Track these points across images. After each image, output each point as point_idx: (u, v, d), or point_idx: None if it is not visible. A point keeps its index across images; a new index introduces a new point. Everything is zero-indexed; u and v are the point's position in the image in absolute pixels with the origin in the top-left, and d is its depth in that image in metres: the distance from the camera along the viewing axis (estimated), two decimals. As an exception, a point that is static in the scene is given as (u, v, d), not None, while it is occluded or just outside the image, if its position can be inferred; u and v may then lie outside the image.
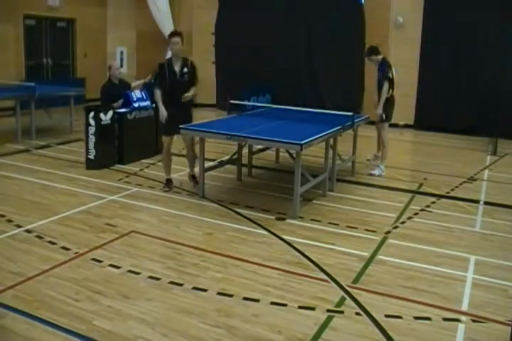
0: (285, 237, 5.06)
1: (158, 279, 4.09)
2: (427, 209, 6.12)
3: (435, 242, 5.06)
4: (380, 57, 7.58)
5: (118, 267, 4.28)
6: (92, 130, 7.31)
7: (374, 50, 7.62)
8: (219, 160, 7.69)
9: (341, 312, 3.68)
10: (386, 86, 7.38)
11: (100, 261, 4.37)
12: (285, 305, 3.75)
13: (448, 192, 6.82)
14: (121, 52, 14.77)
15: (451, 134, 11.13)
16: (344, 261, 4.57)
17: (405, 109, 11.84)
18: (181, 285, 4.00)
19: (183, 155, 8.55)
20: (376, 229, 5.38)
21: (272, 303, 3.77)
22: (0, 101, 10.02)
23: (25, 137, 9.14)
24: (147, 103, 8.14)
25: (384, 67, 7.46)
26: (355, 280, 4.18)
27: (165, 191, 6.39)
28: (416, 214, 5.93)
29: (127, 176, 6.99)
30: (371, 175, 7.57)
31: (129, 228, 5.16)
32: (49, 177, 6.88)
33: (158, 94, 6.22)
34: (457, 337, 3.42)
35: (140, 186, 6.62)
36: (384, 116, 7.51)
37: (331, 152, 6.55)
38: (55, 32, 13.80)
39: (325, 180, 6.41)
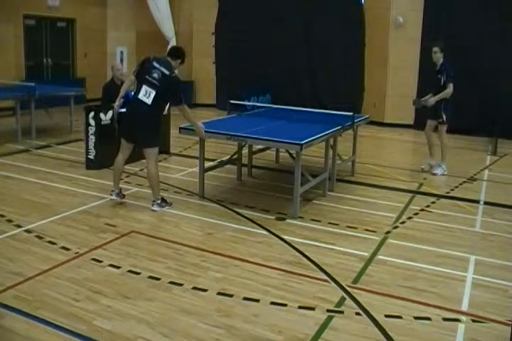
0: (285, 237, 5.06)
1: (158, 279, 4.09)
2: (427, 209, 6.12)
3: (435, 242, 5.07)
4: (442, 59, 7.44)
5: (118, 267, 4.28)
6: (92, 130, 7.31)
7: (444, 49, 7.47)
8: (219, 160, 7.69)
9: (341, 312, 3.68)
10: (451, 88, 7.27)
11: (100, 261, 4.37)
12: (285, 305, 3.75)
13: (448, 192, 6.83)
14: (121, 52, 14.78)
15: (451, 134, 11.06)
16: (344, 261, 4.57)
17: (405, 109, 11.86)
18: (181, 285, 4.00)
19: (183, 155, 8.57)
20: (376, 229, 5.38)
21: (272, 303, 3.77)
22: (0, 101, 10.02)
23: (25, 137, 9.14)
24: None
25: (450, 67, 7.37)
26: (355, 280, 4.18)
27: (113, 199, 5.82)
28: (416, 214, 5.93)
29: (127, 176, 6.99)
30: (434, 174, 7.67)
31: (129, 228, 5.16)
32: (49, 177, 6.88)
33: None
34: (457, 337, 3.42)
35: (140, 186, 6.62)
36: (444, 118, 7.50)
37: (331, 152, 6.55)
38: (55, 32, 13.80)
39: (325, 180, 6.41)
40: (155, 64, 5.48)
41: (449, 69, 7.34)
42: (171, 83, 5.49)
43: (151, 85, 5.43)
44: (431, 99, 7.37)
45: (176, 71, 5.65)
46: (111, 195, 5.82)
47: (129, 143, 5.70)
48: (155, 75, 5.43)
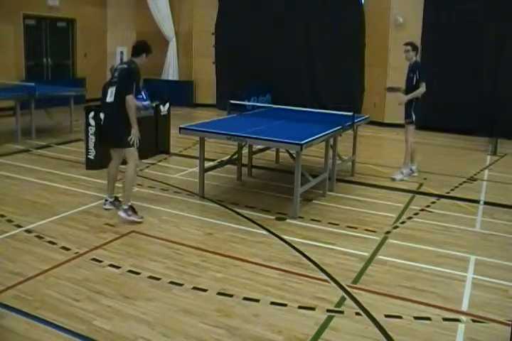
0: (285, 237, 5.06)
1: (158, 279, 4.09)
2: (427, 209, 6.12)
3: (435, 242, 5.07)
4: (414, 58, 7.29)
5: (118, 267, 4.28)
6: (92, 130, 7.31)
7: (416, 48, 7.34)
8: (219, 160, 7.69)
9: (341, 312, 3.68)
10: (424, 87, 7.07)
11: (100, 261, 4.37)
12: (285, 305, 3.75)
13: (448, 192, 6.82)
14: (121, 52, 14.78)
15: (451, 134, 11.14)
16: (344, 261, 4.57)
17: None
18: (181, 285, 4.01)
19: (183, 155, 8.58)
20: (376, 229, 5.38)
21: (272, 303, 3.77)
22: (0, 101, 10.02)
23: (25, 137, 9.14)
24: (147, 103, 8.14)
25: (421, 68, 7.19)
26: (355, 280, 4.18)
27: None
28: (416, 214, 5.93)
29: (127, 176, 6.98)
30: (393, 179, 7.28)
31: (129, 228, 5.16)
32: (49, 177, 6.88)
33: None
34: (457, 337, 3.42)
35: (140, 186, 6.62)
36: (413, 118, 7.26)
37: (331, 152, 6.55)
38: (55, 32, 13.80)
39: (325, 180, 6.41)
40: (118, 66, 5.59)
41: (421, 68, 7.20)
42: (125, 74, 5.36)
43: (112, 84, 5.40)
44: (404, 98, 7.24)
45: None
46: (104, 204, 5.72)
47: (112, 148, 5.59)
48: (116, 74, 5.45)
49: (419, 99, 7.24)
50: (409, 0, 11.85)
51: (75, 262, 4.35)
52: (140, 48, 5.55)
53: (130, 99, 5.26)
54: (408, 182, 7.33)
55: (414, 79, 7.19)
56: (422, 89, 7.12)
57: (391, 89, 7.83)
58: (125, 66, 5.48)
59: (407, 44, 7.40)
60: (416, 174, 7.61)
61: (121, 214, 5.30)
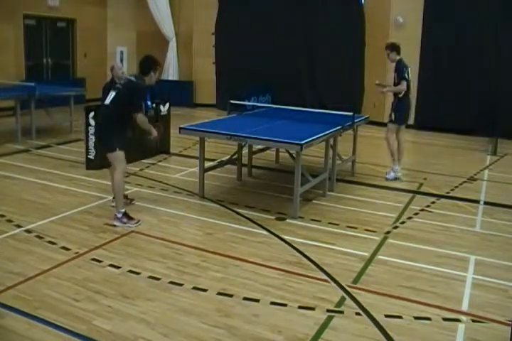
0: (285, 237, 5.06)
1: (158, 279, 4.09)
2: (427, 209, 6.12)
3: (435, 242, 5.07)
4: (397, 57, 7.23)
5: (118, 267, 4.28)
6: (92, 130, 7.31)
7: (396, 48, 7.28)
8: (219, 160, 7.69)
9: (341, 312, 3.68)
10: (403, 85, 7.04)
11: (100, 261, 4.37)
12: (285, 305, 3.75)
13: (448, 192, 6.83)
14: (122, 52, 14.78)
15: (451, 134, 11.14)
16: (344, 261, 4.57)
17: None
18: (181, 285, 4.01)
19: (183, 155, 8.58)
20: (376, 229, 5.38)
21: (272, 303, 3.77)
22: (0, 101, 10.02)
23: (25, 137, 9.14)
24: (148, 103, 8.14)
25: (401, 67, 7.15)
26: (355, 280, 4.18)
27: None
28: (416, 214, 5.93)
29: (127, 176, 6.96)
30: (386, 179, 7.32)
31: (129, 228, 5.16)
32: (49, 177, 6.88)
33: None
34: (457, 337, 3.42)
35: (140, 186, 6.62)
36: (393, 117, 7.28)
37: (331, 152, 6.55)
38: (55, 32, 13.80)
39: (325, 180, 6.41)
40: (127, 76, 5.56)
41: (400, 69, 7.13)
42: (131, 87, 5.30)
43: (115, 89, 5.40)
44: (384, 89, 7.37)
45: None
46: (112, 201, 5.69)
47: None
48: (123, 82, 5.48)
49: (400, 99, 7.20)
50: (409, 0, 11.85)
51: (75, 262, 4.35)
52: (146, 66, 5.38)
53: (140, 119, 5.24)
54: (408, 182, 7.33)
55: (395, 78, 7.20)
56: (401, 86, 7.10)
57: (379, 85, 7.86)
58: (133, 79, 5.39)
59: (385, 48, 7.39)
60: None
61: (117, 223, 5.21)
